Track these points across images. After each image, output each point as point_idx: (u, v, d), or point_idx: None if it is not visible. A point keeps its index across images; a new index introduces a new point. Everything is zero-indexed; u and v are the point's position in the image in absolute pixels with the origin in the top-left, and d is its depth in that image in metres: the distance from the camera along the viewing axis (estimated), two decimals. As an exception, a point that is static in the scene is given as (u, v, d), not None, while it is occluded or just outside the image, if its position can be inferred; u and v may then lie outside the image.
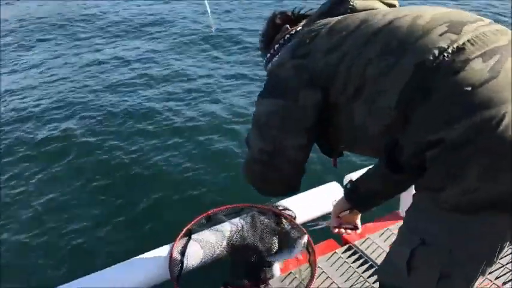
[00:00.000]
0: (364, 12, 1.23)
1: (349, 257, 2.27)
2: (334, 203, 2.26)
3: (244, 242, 2.00)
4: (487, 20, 1.10)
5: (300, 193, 2.26)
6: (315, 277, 1.95)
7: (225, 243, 2.01)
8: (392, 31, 1.09)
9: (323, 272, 2.14)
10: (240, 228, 2.04)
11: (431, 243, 1.08)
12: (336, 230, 1.80)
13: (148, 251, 2.00)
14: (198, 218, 2.08)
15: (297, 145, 1.24)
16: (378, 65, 1.08)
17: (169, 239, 2.05)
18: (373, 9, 1.26)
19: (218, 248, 2.00)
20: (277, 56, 1.41)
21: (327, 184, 2.32)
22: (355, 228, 1.76)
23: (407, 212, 1.21)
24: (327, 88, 1.17)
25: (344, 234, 1.85)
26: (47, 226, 3.66)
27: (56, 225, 3.66)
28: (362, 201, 1.66)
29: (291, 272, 2.14)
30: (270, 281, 2.03)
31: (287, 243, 2.07)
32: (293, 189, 1.35)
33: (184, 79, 6.25)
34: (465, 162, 0.97)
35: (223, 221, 2.09)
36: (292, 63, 1.22)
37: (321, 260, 2.19)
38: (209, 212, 2.11)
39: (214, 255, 2.00)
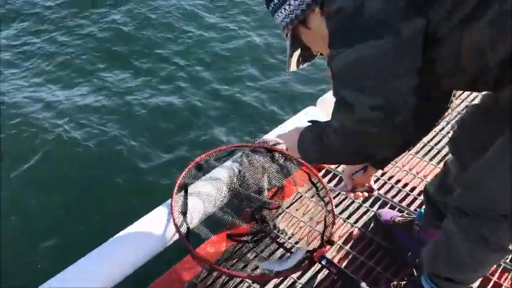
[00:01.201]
0: None
1: (329, 182, 2.26)
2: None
3: (246, 184, 1.84)
4: None
5: (281, 124, 2.14)
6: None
7: (225, 189, 1.84)
8: None
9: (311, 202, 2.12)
10: (237, 171, 1.87)
11: None
12: (352, 195, 1.74)
13: (143, 215, 1.75)
14: (187, 168, 1.84)
15: (411, 89, 1.06)
16: None
17: (161, 196, 1.81)
18: None
19: (219, 196, 1.82)
20: None
21: (305, 109, 2.23)
22: (371, 190, 1.70)
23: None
24: (427, 14, 1.01)
25: (361, 197, 1.78)
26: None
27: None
28: None
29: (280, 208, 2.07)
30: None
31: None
32: (410, 143, 1.18)
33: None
34: None
35: (216, 167, 1.90)
36: None
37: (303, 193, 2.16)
38: (198, 160, 1.88)
39: (217, 205, 1.83)
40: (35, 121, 3.67)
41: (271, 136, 2.04)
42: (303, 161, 1.96)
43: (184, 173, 1.82)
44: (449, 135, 2.49)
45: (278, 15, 1.30)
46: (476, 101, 1.47)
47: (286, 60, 1.42)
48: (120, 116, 3.71)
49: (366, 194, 1.73)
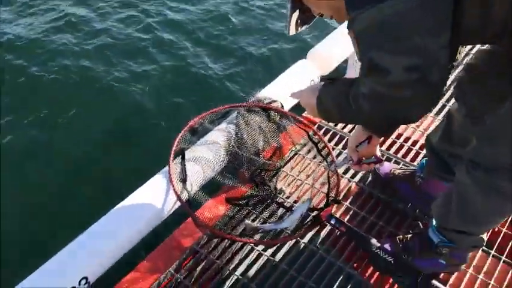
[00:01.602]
0: None
1: (323, 134, 2.21)
2: (313, 82, 2.12)
3: (245, 146, 1.77)
4: None
5: (274, 80, 2.04)
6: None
7: (223, 153, 1.75)
8: None
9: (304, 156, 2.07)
10: (233, 133, 1.79)
11: None
12: (357, 167, 1.66)
13: (138, 182, 1.66)
14: (181, 133, 1.74)
15: (443, 44, 0.98)
16: None
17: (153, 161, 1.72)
18: None
19: (218, 161, 1.74)
20: None
21: (296, 63, 2.13)
22: (379, 160, 1.63)
23: None
24: None
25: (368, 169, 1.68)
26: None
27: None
28: None
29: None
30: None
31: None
32: (438, 102, 1.12)
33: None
34: None
35: (211, 130, 1.80)
36: None
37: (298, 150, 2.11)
38: (192, 123, 1.77)
39: (216, 169, 1.75)
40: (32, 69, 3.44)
41: (264, 93, 1.95)
42: (299, 118, 1.90)
43: (178, 138, 1.72)
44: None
45: None
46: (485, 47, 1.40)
47: (286, 23, 1.33)
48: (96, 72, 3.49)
49: (373, 165, 1.67)
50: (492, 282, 1.65)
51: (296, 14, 1.30)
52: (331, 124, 2.27)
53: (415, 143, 2.19)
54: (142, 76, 3.48)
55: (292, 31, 1.35)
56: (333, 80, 1.32)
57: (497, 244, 1.76)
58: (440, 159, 1.68)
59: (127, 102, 3.22)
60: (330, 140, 2.21)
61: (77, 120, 3.08)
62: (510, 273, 1.68)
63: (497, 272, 1.68)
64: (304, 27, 1.39)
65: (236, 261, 1.75)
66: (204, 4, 4.32)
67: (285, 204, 1.90)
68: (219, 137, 1.78)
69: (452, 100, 1.57)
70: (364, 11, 0.99)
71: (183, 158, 1.69)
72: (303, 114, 2.16)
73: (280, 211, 1.87)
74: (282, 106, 1.92)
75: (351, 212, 1.90)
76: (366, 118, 1.22)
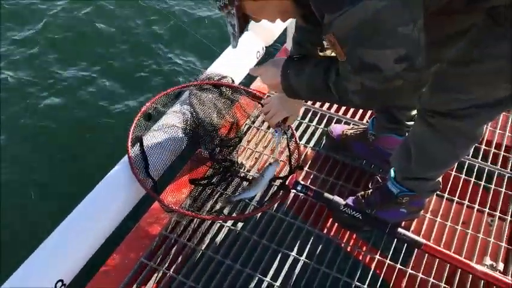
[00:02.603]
0: None
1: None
2: (258, 54, 2.12)
3: (202, 125, 1.75)
4: None
5: (220, 56, 2.02)
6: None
7: (182, 135, 1.73)
8: None
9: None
10: (189, 114, 1.76)
11: None
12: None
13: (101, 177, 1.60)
14: (135, 120, 1.69)
15: (420, 28, 1.00)
16: None
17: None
18: None
19: (178, 143, 1.72)
20: None
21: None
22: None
23: None
24: None
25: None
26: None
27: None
28: None
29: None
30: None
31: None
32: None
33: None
34: None
35: (165, 113, 1.76)
36: None
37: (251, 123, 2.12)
38: (144, 109, 1.72)
39: (177, 152, 1.73)
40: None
41: (213, 70, 1.93)
42: (251, 91, 1.90)
43: (133, 125, 1.68)
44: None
45: None
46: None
47: (234, 38, 1.33)
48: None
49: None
50: (449, 223, 1.79)
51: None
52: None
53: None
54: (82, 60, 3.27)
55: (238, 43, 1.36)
56: (298, 58, 1.33)
57: (448, 187, 1.90)
58: (389, 112, 1.76)
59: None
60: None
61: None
62: (463, 212, 1.82)
63: (451, 213, 1.82)
64: (241, 35, 1.38)
65: (207, 240, 1.76)
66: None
67: (247, 177, 1.92)
68: (174, 119, 1.74)
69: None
70: (343, 12, 0.98)
71: (141, 145, 1.65)
72: (253, 87, 2.17)
73: (244, 184, 1.89)
74: (233, 81, 1.92)
75: (311, 177, 1.95)
76: (354, 107, 1.26)
